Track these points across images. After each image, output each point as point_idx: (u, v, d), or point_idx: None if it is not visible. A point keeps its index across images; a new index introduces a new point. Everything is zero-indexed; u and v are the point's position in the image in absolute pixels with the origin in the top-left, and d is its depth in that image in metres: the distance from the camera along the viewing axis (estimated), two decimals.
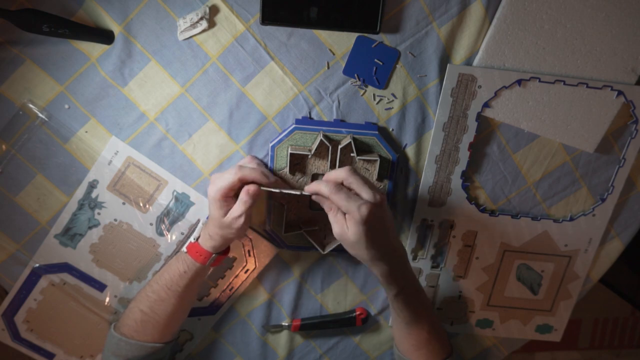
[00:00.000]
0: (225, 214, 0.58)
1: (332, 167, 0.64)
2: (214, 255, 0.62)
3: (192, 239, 0.62)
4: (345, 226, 0.54)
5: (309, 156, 0.64)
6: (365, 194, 0.54)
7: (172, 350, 0.75)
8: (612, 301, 1.47)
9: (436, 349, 0.64)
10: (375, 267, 0.57)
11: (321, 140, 0.62)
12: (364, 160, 0.65)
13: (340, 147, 0.63)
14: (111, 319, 0.75)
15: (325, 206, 0.57)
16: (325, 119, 0.66)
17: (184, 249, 0.63)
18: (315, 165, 0.66)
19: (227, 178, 0.57)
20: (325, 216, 0.58)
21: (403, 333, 0.64)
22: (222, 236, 0.60)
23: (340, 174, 0.56)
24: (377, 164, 0.65)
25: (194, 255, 0.61)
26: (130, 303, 0.66)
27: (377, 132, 0.64)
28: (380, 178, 0.67)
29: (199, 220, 0.70)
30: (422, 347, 0.63)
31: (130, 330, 0.63)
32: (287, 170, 0.65)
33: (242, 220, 0.58)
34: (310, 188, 0.56)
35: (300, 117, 0.63)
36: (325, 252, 0.68)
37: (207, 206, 0.70)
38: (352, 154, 0.63)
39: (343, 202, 0.53)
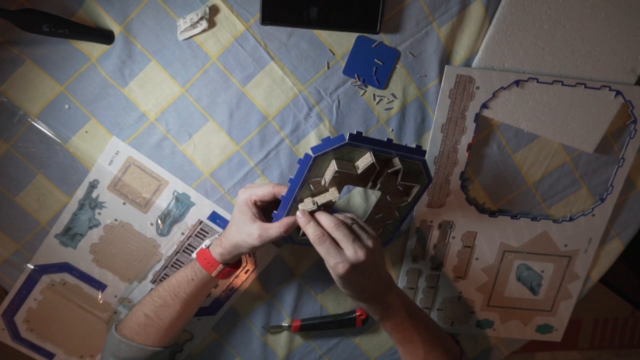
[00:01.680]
0: (247, 219, 0.58)
1: (374, 186, 0.58)
2: (221, 265, 0.62)
3: (203, 246, 0.63)
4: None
5: (353, 175, 0.56)
6: (348, 250, 0.52)
7: (172, 351, 0.75)
8: (612, 301, 1.47)
9: None
10: (353, 300, 0.58)
11: (373, 162, 0.54)
12: (403, 184, 0.58)
13: (388, 171, 0.56)
14: (111, 318, 0.75)
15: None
16: (326, 119, 0.66)
17: (194, 254, 0.62)
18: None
19: (262, 188, 0.58)
20: None
21: (401, 353, 0.64)
22: (234, 245, 0.59)
23: (328, 223, 0.55)
24: (415, 190, 0.59)
25: (202, 262, 0.61)
26: (134, 306, 0.66)
27: (424, 158, 0.57)
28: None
29: (200, 222, 0.70)
30: None
31: (132, 332, 0.63)
32: (325, 183, 0.56)
33: (263, 244, 0.58)
34: (301, 223, 0.56)
35: (354, 132, 0.53)
36: None
37: (207, 206, 0.70)
38: (396, 179, 0.57)
39: (323, 255, 0.53)
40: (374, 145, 0.54)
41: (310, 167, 0.55)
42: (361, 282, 0.55)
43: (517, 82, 0.64)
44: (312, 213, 0.57)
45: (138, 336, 0.63)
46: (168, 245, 0.72)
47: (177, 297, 0.62)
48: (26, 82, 0.64)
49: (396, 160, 0.56)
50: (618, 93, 0.64)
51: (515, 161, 0.69)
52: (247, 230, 0.57)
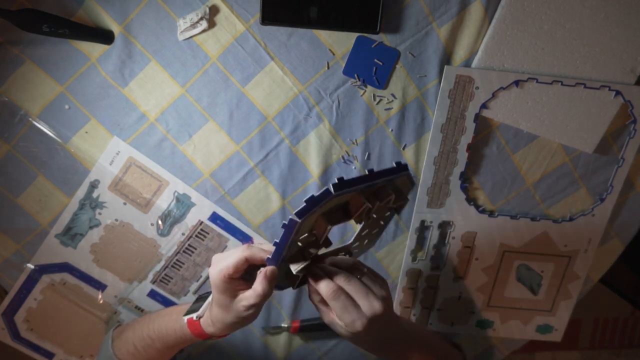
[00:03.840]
0: (230, 298, 0.50)
1: (367, 219, 0.53)
2: (213, 337, 0.57)
3: (194, 316, 0.56)
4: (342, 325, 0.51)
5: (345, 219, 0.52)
6: (364, 304, 0.49)
7: None
8: (612, 301, 1.46)
9: None
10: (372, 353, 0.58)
11: (368, 207, 0.50)
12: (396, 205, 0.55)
13: (380, 204, 0.51)
14: (111, 318, 0.75)
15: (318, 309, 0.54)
16: (326, 119, 0.66)
17: (185, 320, 0.57)
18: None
19: (231, 257, 0.50)
20: None
21: None
22: (225, 324, 0.53)
23: (338, 277, 0.51)
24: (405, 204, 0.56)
25: (193, 331, 0.57)
26: (129, 331, 0.65)
27: (409, 171, 0.52)
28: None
29: (200, 222, 0.70)
30: None
31: (122, 355, 0.64)
32: (317, 239, 0.52)
33: (253, 310, 0.50)
34: (318, 285, 0.51)
35: (336, 182, 0.45)
36: None
37: (207, 207, 0.70)
38: (387, 203, 0.52)
39: (338, 312, 0.49)
40: (359, 184, 0.47)
41: (297, 230, 0.48)
42: (380, 336, 0.52)
43: (516, 82, 0.64)
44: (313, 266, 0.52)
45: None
46: (168, 246, 0.72)
47: (166, 345, 0.62)
48: (26, 82, 0.64)
49: (387, 190, 0.51)
50: (618, 93, 0.64)
51: (514, 161, 0.69)
52: (234, 308, 0.51)
